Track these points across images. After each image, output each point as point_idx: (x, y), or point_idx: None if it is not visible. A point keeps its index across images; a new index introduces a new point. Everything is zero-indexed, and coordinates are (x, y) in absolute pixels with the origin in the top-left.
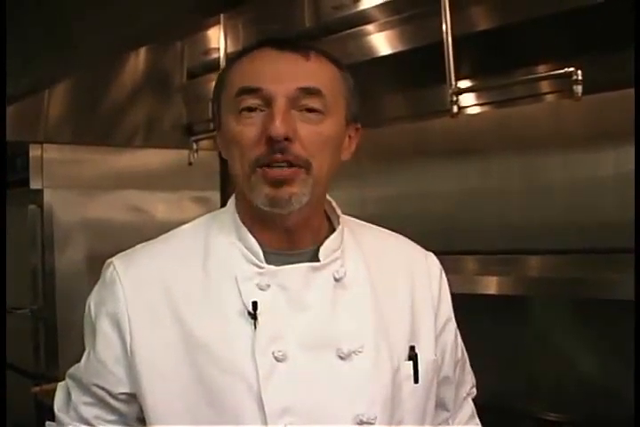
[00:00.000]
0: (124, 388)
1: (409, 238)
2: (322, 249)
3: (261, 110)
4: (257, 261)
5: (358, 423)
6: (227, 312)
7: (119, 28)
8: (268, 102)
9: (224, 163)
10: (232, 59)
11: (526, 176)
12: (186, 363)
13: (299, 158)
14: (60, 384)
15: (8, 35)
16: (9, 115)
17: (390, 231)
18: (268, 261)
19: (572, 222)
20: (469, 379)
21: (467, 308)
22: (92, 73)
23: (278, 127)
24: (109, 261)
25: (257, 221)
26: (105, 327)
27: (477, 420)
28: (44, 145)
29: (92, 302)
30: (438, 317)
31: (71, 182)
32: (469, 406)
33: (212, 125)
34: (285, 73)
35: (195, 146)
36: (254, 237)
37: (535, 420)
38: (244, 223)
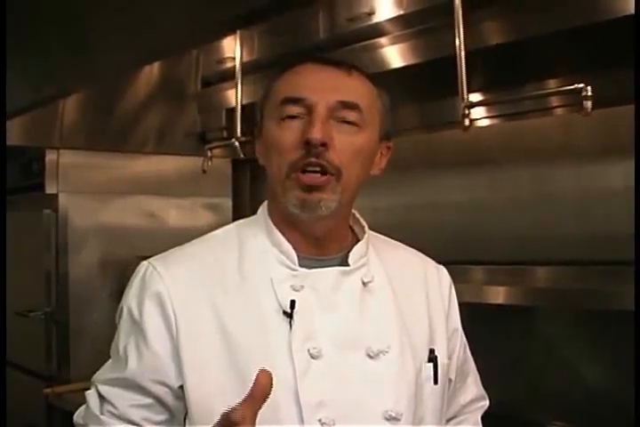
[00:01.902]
0: (178, 380)
1: (419, 248)
2: (351, 255)
3: (302, 118)
4: (291, 265)
5: (387, 419)
6: (263, 311)
7: (137, 43)
8: (310, 111)
9: (236, 170)
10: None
11: (536, 188)
12: (225, 358)
13: (331, 165)
14: (89, 392)
15: (31, 48)
16: (25, 120)
17: (405, 245)
18: (301, 265)
19: (580, 234)
20: (472, 390)
21: (474, 317)
22: (108, 80)
23: (316, 132)
24: (145, 262)
25: (289, 226)
26: (153, 316)
27: None
28: (60, 150)
29: (131, 302)
30: (447, 325)
31: (86, 187)
32: (473, 420)
33: (225, 133)
34: (327, 85)
35: (209, 154)
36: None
37: None
38: (277, 230)
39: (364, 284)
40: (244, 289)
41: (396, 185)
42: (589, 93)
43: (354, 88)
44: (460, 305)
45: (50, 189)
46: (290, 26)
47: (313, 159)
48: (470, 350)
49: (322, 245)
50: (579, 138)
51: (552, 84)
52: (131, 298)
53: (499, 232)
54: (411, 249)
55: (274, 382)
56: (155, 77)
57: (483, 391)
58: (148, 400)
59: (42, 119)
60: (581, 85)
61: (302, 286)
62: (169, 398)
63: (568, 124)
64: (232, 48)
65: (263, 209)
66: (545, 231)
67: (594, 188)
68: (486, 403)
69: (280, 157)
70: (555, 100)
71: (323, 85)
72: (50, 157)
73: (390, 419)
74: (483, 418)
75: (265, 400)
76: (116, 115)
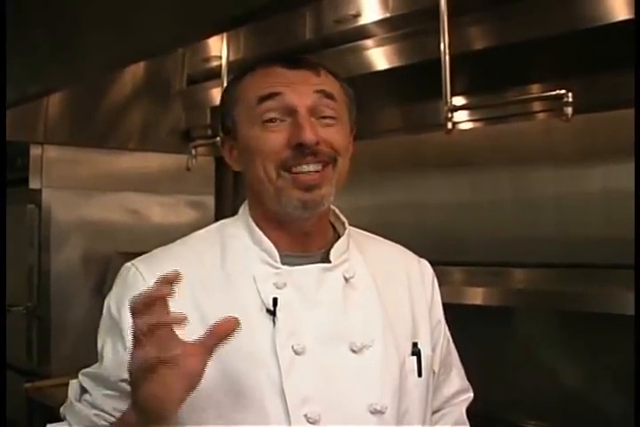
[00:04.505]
0: None
1: None
2: (332, 251)
3: (283, 121)
4: (273, 262)
5: (372, 412)
6: (247, 310)
7: (124, 42)
8: (290, 112)
9: (220, 168)
10: (238, 76)
11: (516, 191)
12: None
13: (328, 155)
14: (72, 382)
15: (17, 48)
16: (10, 115)
17: (386, 240)
18: (283, 263)
19: (558, 237)
20: (456, 382)
21: (453, 317)
22: (94, 77)
23: (308, 134)
24: (129, 264)
25: (274, 226)
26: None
27: None
28: (45, 145)
29: (111, 300)
30: (431, 318)
31: (70, 183)
32: (458, 412)
33: (209, 131)
34: (300, 80)
35: (193, 151)
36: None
37: None
38: (259, 228)
39: (346, 279)
40: (227, 288)
41: (379, 185)
42: (570, 99)
43: (324, 82)
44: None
45: (34, 184)
46: (276, 26)
47: (310, 157)
48: None
49: (306, 241)
50: (559, 143)
51: (534, 89)
52: (112, 298)
53: (478, 234)
54: (392, 243)
55: (260, 380)
56: (140, 75)
57: (467, 383)
58: (118, 394)
59: (26, 114)
60: (563, 91)
61: (285, 284)
62: None
63: (548, 129)
64: (218, 47)
65: (244, 209)
66: (524, 233)
67: (573, 191)
68: (471, 395)
69: (266, 158)
70: (536, 105)
71: (295, 80)
72: (34, 152)
73: (375, 412)
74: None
75: (219, 343)
76: (100, 111)
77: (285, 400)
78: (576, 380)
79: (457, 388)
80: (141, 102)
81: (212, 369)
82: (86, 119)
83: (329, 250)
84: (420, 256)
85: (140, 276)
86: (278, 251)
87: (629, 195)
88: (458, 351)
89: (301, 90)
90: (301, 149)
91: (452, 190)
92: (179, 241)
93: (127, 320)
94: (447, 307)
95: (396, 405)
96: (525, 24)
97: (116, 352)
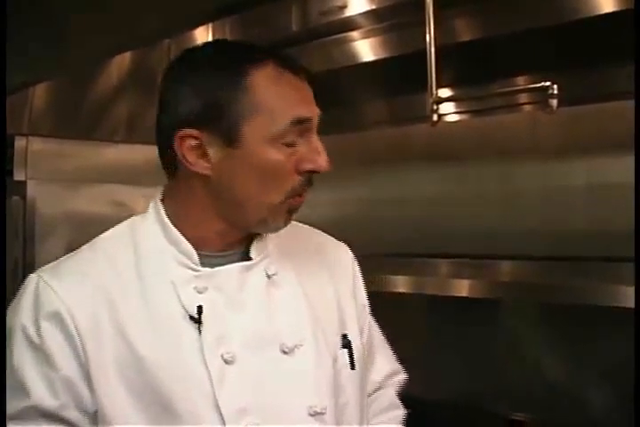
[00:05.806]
0: (93, 405)
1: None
2: (253, 248)
3: (298, 143)
4: (192, 265)
5: (311, 415)
6: (168, 318)
7: (112, 36)
8: (303, 133)
9: None
10: (241, 63)
11: (502, 183)
12: (136, 374)
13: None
14: None
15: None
16: None
17: (302, 224)
18: (201, 263)
19: (544, 229)
20: (383, 367)
21: (439, 309)
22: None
23: (327, 162)
24: (34, 276)
25: (196, 224)
26: (55, 337)
27: (397, 411)
28: (29, 137)
29: (25, 322)
30: (356, 304)
31: (55, 175)
32: (389, 395)
33: None
34: (311, 98)
35: None
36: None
37: (503, 419)
38: (175, 226)
39: (269, 276)
40: (145, 296)
41: (364, 178)
42: (555, 91)
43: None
44: (425, 297)
45: (18, 175)
46: (262, 18)
47: (307, 187)
48: (434, 342)
49: (237, 240)
50: (545, 136)
51: (520, 81)
52: (24, 319)
53: (464, 226)
54: (310, 228)
55: (191, 394)
56: (126, 67)
57: (397, 366)
58: (62, 426)
59: (11, 106)
60: (548, 83)
61: (206, 288)
62: (87, 420)
63: (535, 121)
64: (204, 39)
65: (155, 206)
66: (510, 226)
67: (558, 185)
68: (402, 377)
69: (280, 183)
70: (522, 98)
71: (309, 97)
72: (19, 143)
73: (315, 415)
74: (442, 407)
75: None
76: (86, 103)
77: (221, 414)
78: (563, 372)
79: (385, 372)
80: (127, 94)
81: (140, 387)
82: (72, 111)
83: (249, 246)
84: (406, 248)
85: (50, 290)
86: (197, 250)
87: (615, 188)
88: (444, 344)
89: (315, 111)
90: (309, 176)
91: (438, 183)
92: (85, 246)
93: (51, 343)
94: (434, 299)
95: (334, 402)
96: (511, 16)
97: (48, 380)
